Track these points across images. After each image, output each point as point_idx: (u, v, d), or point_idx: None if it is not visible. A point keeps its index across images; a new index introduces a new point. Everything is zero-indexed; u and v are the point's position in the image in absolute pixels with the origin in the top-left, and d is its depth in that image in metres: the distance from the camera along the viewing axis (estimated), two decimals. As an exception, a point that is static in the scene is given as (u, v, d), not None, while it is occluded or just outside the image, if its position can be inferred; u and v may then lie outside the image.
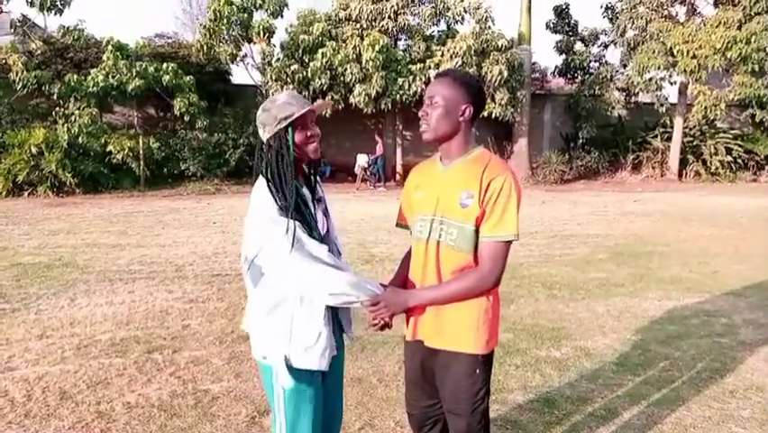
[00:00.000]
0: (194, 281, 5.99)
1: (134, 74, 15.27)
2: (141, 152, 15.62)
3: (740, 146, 20.20)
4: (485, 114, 16.66)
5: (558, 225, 10.08)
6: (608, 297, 5.47)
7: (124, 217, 10.80)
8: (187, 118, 15.92)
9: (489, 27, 16.87)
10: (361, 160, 17.32)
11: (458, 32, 17.26)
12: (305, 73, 15.76)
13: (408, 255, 2.18)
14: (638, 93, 19.49)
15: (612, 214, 11.68)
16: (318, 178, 2.18)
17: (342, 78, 15.99)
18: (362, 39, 16.00)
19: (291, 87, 15.49)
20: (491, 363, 2.07)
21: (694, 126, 20.02)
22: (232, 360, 3.93)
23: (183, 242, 8.23)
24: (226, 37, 15.95)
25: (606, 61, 21.02)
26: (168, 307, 5.14)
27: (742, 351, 4.07)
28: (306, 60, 15.93)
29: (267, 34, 15.96)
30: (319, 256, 1.91)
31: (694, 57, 15.30)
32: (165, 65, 15.51)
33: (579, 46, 20.97)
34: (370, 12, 16.44)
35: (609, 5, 20.36)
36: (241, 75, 21.79)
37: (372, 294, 1.96)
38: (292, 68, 15.76)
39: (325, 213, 2.13)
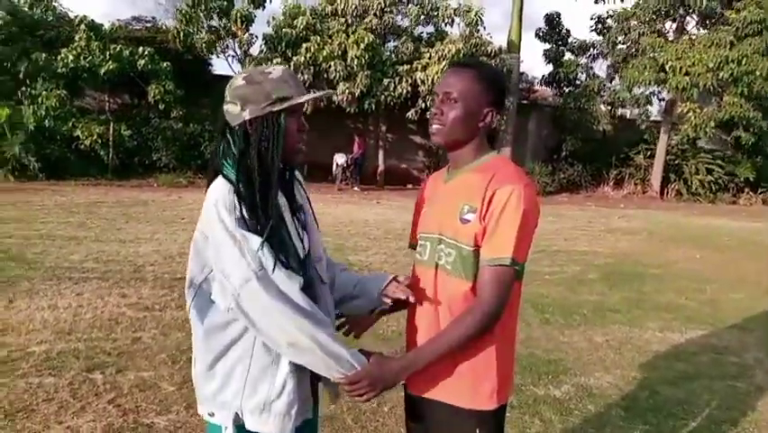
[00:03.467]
0: (152, 285, 5.41)
1: (108, 57, 14.50)
2: (111, 139, 14.85)
3: (721, 167, 20.16)
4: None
5: (544, 239, 9.68)
6: (604, 324, 5.05)
7: (87, 208, 10.10)
8: (161, 106, 15.20)
9: (479, 31, 16.50)
10: (340, 158, 16.77)
11: (447, 34, 16.85)
12: (288, 67, 15.19)
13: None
14: (624, 107, 19.33)
15: (597, 230, 11.35)
16: (300, 179, 1.67)
17: (325, 75, 15.44)
18: (348, 36, 15.49)
19: (273, 80, 14.92)
20: (502, 421, 1.59)
21: (676, 145, 19.94)
22: (184, 386, 3.38)
23: (146, 238, 7.61)
24: (205, 25, 15.29)
25: (594, 74, 20.83)
26: (118, 314, 4.56)
27: (760, 398, 3.66)
28: (290, 54, 15.36)
29: (245, 23, 15.33)
30: (288, 293, 1.40)
31: (687, 74, 15.13)
32: (141, 49, 14.78)
33: (568, 56, 20.73)
34: (356, 7, 15.92)
35: (600, 18, 20.15)
36: (222, 66, 21.14)
37: (349, 368, 1.44)
38: (275, 61, 15.16)
39: (305, 226, 1.62)
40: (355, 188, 16.68)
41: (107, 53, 14.53)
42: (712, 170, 20.04)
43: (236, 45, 15.75)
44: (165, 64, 14.98)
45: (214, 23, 15.28)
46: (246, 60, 15.02)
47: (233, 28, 15.10)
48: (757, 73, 15.06)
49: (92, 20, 14.92)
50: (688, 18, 18.28)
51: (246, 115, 1.44)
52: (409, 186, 18.15)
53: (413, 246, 1.75)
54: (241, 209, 1.40)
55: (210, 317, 1.48)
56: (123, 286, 5.32)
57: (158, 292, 5.18)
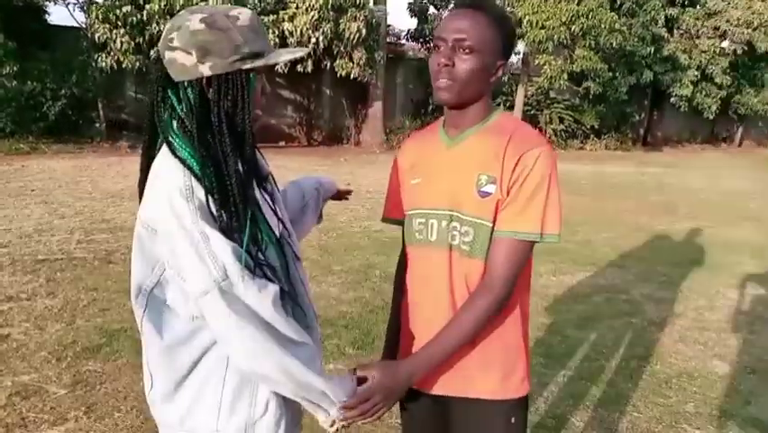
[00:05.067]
0: (11, 270, 4.65)
1: None
2: (-75, 100, 12.61)
3: (570, 116, 21.84)
4: (341, 73, 15.99)
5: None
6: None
7: None
8: (-11, 61, 13.11)
9: (347, -19, 16.04)
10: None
11: (313, -17, 16.19)
12: (139, 16, 13.73)
13: (402, 270, 1.50)
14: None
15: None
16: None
17: (184, 26, 14.21)
18: (207, -18, 14.30)
19: (123, 30, 13.42)
20: (527, 405, 1.48)
21: (532, 96, 21.19)
22: (78, 386, 2.93)
23: (-9, 216, 6.58)
24: (38, -35, 13.31)
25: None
26: (-25, 309, 3.87)
27: (655, 331, 3.98)
28: (141, 2, 13.87)
29: (90, -35, 13.57)
30: (257, 311, 1.10)
31: (543, 27, 15.93)
32: (-45, -8, 12.54)
33: (432, 10, 20.97)
34: (216, -49, 14.71)
35: (460, -29, 20.52)
36: (60, 14, 18.65)
37: (330, 404, 1.18)
38: (124, 9, 13.63)
39: (274, 197, 1.32)
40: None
41: None
42: (563, 119, 21.65)
43: (78, -9, 13.93)
44: (-11, 11, 12.86)
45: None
46: (92, 9, 13.32)
47: (72, -30, 13.30)
48: (602, 26, 16.23)
49: None
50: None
51: (206, 71, 1.11)
52: (281, 143, 17.56)
53: (392, 221, 1.53)
54: (206, 198, 1.09)
55: (171, 330, 1.17)
56: (-27, 275, 4.54)
57: (20, 279, 4.47)
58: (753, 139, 28.73)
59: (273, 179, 1.38)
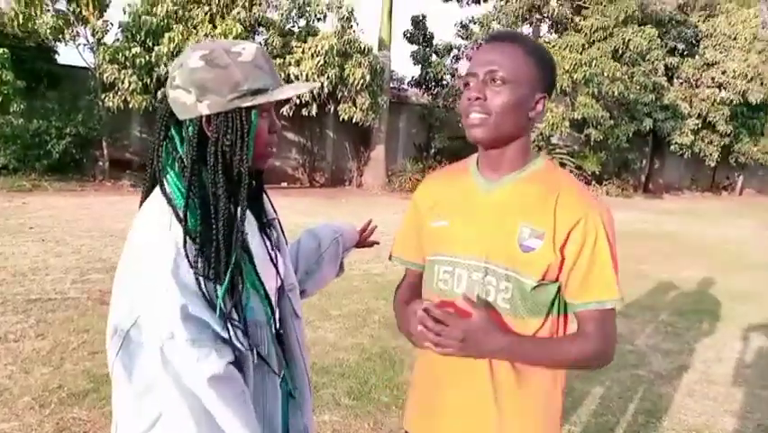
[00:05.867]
0: (2, 310, 4.56)
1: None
2: (-66, 137, 12.73)
3: (572, 162, 21.98)
4: (344, 117, 16.17)
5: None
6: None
7: None
8: (-2, 99, 13.28)
9: (352, 27, 16.40)
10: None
11: (319, 30, 16.55)
12: (148, 58, 13.97)
13: (408, 291, 1.42)
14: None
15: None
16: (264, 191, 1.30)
17: (191, 68, 14.44)
18: (215, 26, 14.62)
19: (131, 71, 13.63)
20: None
21: (534, 141, 21.39)
22: (61, 434, 2.82)
23: (-13, 253, 6.51)
24: (50, 8, 13.58)
25: (459, 75, 21.70)
26: (-39, 350, 3.76)
27: (662, 385, 3.84)
28: (151, 44, 14.14)
29: (98, 8, 13.87)
30: (188, 385, 1.02)
31: (544, 76, 16.26)
32: (-31, 33, 12.81)
33: (434, 58, 21.40)
34: (222, -5, 15.08)
35: (464, 24, 21.11)
36: (70, 55, 19.00)
37: None
38: (133, 51, 13.88)
39: (277, 245, 1.27)
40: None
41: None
42: (564, 165, 21.78)
43: (88, 32, 14.20)
44: (1, 50, 13.09)
45: (61, 6, 13.62)
46: (100, 50, 13.57)
47: (83, 13, 13.57)
48: (605, 74, 16.50)
49: None
50: (543, 23, 19.63)
51: (204, 110, 1.07)
52: (284, 184, 17.63)
53: (402, 262, 1.44)
54: (183, 240, 1.03)
55: (141, 376, 1.10)
56: (-37, 313, 4.44)
57: (10, 319, 4.37)
58: (753, 187, 28.80)
59: (280, 225, 1.32)
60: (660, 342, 4.73)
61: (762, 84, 21.20)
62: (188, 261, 1.02)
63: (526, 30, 19.66)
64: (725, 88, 21.30)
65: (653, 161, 24.64)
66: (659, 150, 23.89)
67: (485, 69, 1.19)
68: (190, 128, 1.09)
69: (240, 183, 1.09)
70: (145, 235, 1.06)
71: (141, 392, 1.10)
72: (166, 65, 14.02)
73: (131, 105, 13.76)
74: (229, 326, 1.05)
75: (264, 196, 1.26)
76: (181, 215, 1.04)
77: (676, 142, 21.35)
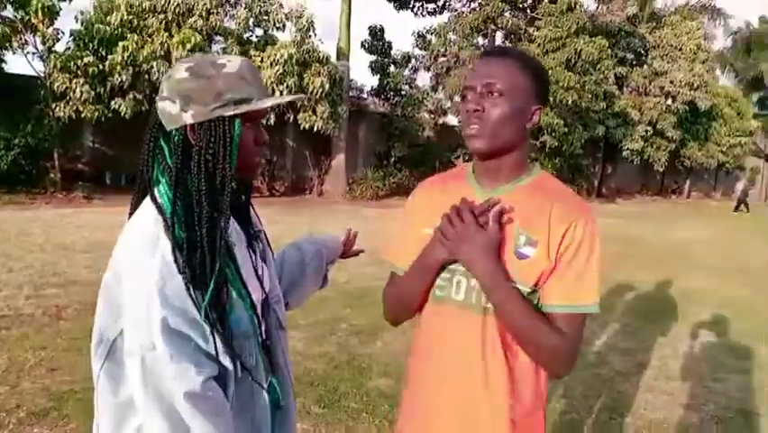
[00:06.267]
0: (-46, 328, 4.38)
1: None
2: None
3: (528, 169, 22.53)
4: (305, 126, 16.14)
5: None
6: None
7: None
8: (-61, 110, 12.74)
9: (311, 37, 16.40)
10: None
11: (278, 39, 16.49)
12: (101, 67, 13.64)
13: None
14: (446, 115, 20.66)
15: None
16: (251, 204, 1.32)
17: (147, 77, 14.15)
18: (171, 35, 14.39)
19: (83, 80, 13.28)
20: None
21: (491, 149, 21.82)
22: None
23: (-67, 270, 6.22)
24: (-4, 16, 13.14)
25: (416, 84, 21.97)
26: None
27: (623, 382, 3.98)
28: (104, 53, 13.81)
29: (48, 15, 13.47)
30: (167, 397, 1.02)
31: (501, 84, 16.64)
32: None
33: (392, 68, 21.61)
34: (178, 5, 14.86)
35: (421, 34, 21.43)
36: (18, 63, 18.35)
37: None
38: (85, 59, 13.53)
39: (264, 256, 1.28)
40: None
41: None
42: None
43: (37, 41, 13.77)
44: (-59, 59, 12.60)
45: (8, 13, 13.18)
46: (51, 58, 13.18)
47: (32, 20, 13.16)
48: (559, 84, 16.96)
49: None
50: (498, 34, 20.05)
51: (189, 119, 1.09)
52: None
53: (395, 269, 1.43)
54: (172, 249, 1.04)
55: (127, 383, 1.10)
56: None
57: (-37, 337, 4.20)
58: (700, 190, 30.05)
59: (266, 237, 1.33)
60: (619, 341, 4.89)
61: (707, 92, 22.19)
62: (177, 267, 1.03)
63: (482, 41, 20.05)
64: (672, 97, 22.19)
65: (605, 166, 25.42)
66: (611, 155, 24.67)
67: (482, 81, 1.23)
68: (176, 137, 1.11)
69: (224, 191, 1.10)
70: (133, 246, 1.07)
71: (126, 402, 1.10)
72: (120, 74, 13.74)
73: (83, 115, 13.40)
74: (213, 337, 1.05)
75: (251, 209, 1.28)
76: (169, 222, 1.05)
77: (628, 148, 22.09)
